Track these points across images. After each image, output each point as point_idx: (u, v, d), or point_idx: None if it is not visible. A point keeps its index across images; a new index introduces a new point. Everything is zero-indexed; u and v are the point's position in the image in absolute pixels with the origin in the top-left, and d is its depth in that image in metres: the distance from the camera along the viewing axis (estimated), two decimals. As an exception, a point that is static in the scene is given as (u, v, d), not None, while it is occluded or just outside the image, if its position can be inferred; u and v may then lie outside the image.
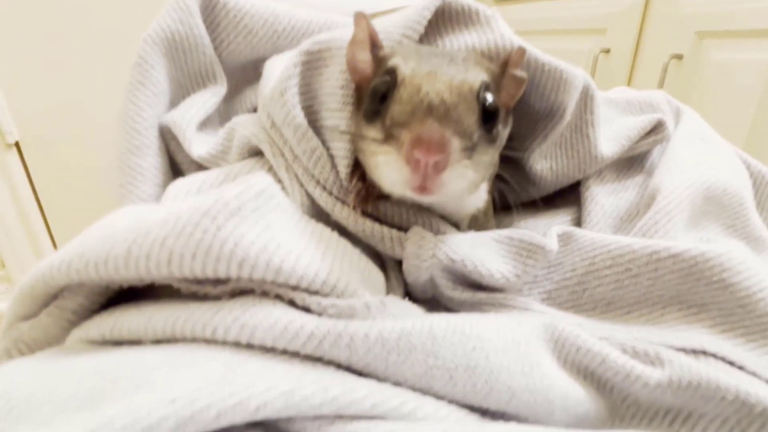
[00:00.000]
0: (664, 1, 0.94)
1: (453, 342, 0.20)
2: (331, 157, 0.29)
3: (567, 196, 0.37)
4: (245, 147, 0.32)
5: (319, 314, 0.20)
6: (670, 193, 0.32)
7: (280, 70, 0.30)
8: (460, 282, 0.28)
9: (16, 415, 0.17)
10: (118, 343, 0.22)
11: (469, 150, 0.24)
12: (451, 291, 0.28)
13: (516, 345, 0.21)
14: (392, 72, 0.25)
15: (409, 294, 0.29)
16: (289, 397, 0.17)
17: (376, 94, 0.25)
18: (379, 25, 0.30)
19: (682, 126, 0.40)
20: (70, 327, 0.24)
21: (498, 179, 0.32)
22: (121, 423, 0.15)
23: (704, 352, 0.24)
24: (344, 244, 0.25)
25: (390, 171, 0.24)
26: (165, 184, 0.33)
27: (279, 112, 0.29)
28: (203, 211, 0.20)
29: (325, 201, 0.28)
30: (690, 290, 0.26)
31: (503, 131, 0.29)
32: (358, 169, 0.28)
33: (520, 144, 0.36)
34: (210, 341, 0.20)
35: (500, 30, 0.31)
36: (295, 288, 0.21)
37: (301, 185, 0.29)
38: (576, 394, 0.22)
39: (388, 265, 0.29)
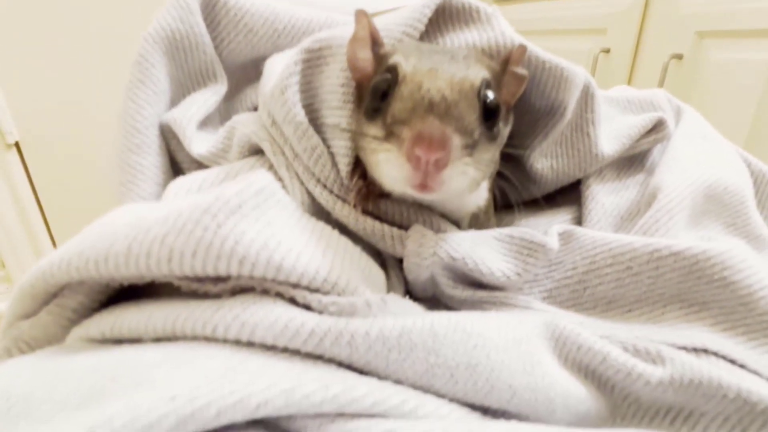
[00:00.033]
0: (664, 1, 0.94)
1: (454, 340, 0.20)
2: (332, 155, 0.29)
3: (568, 194, 0.37)
4: (246, 145, 0.31)
5: (320, 312, 0.20)
6: (671, 192, 0.32)
7: (280, 69, 0.30)
8: (460, 280, 0.28)
9: (16, 413, 0.17)
10: (118, 341, 0.21)
11: (470, 147, 0.24)
12: (451, 289, 0.28)
13: (517, 343, 0.21)
14: (393, 69, 0.25)
15: (410, 292, 0.29)
16: (289, 395, 0.16)
17: (376, 92, 0.25)
18: (380, 23, 0.30)
19: (683, 125, 0.40)
20: (71, 325, 0.24)
21: (499, 177, 0.32)
22: (121, 421, 0.15)
23: (705, 351, 0.24)
24: (345, 242, 0.25)
25: (391, 169, 0.24)
26: (165, 183, 0.33)
27: (279, 110, 0.29)
28: (204, 209, 0.20)
29: (325, 199, 0.28)
30: (691, 288, 0.26)
31: (504, 129, 0.29)
32: (358, 167, 0.28)
33: (521, 142, 0.36)
34: (210, 339, 0.20)
35: (501, 28, 0.31)
36: (295, 286, 0.21)
37: (302, 183, 0.29)
38: (577, 393, 0.22)
39: (389, 263, 0.29)
